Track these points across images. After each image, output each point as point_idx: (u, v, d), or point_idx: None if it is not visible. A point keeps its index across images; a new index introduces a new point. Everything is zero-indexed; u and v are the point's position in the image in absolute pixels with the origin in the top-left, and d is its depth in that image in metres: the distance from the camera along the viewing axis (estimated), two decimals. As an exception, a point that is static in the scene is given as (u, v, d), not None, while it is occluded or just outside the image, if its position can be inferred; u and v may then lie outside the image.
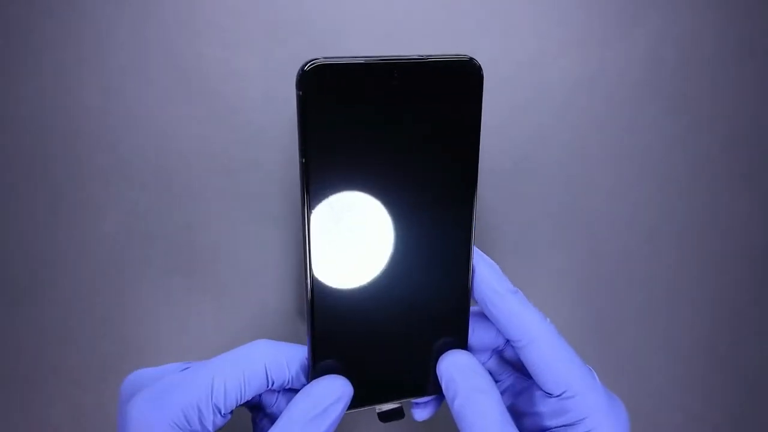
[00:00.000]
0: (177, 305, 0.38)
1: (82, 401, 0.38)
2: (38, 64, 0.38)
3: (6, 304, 0.38)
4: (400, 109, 0.24)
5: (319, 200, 0.24)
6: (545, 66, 0.39)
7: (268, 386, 0.26)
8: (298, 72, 0.25)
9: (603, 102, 0.39)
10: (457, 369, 0.25)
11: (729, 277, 0.39)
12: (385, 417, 0.27)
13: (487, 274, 0.27)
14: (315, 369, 0.25)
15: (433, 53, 0.26)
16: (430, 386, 0.27)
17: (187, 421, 0.23)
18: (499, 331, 0.27)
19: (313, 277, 0.24)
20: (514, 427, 0.25)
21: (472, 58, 0.25)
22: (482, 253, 0.27)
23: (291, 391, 0.27)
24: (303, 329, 0.38)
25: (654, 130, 0.39)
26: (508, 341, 0.28)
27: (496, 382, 0.30)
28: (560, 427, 0.26)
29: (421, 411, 0.29)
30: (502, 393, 0.30)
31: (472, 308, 0.27)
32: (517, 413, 0.28)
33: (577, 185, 0.39)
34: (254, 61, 0.38)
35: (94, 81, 0.38)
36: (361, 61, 0.25)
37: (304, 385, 0.26)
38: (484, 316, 0.28)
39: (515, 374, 0.30)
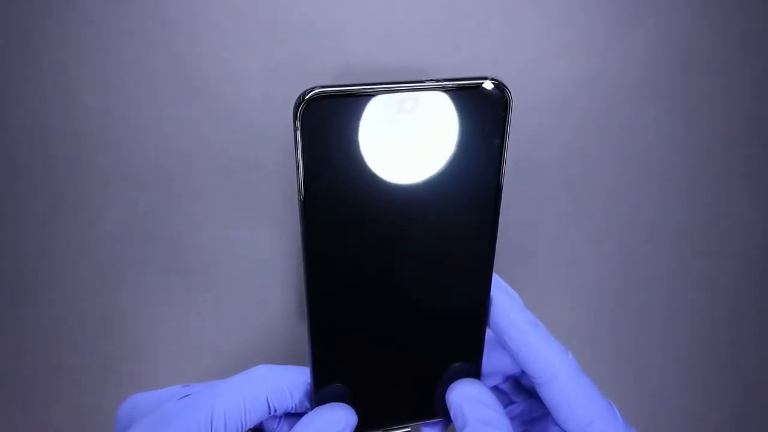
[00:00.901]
0: (177, 305, 0.38)
1: (82, 401, 0.38)
2: (38, 64, 0.38)
3: (6, 304, 0.38)
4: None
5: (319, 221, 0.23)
6: (545, 66, 0.39)
7: (270, 414, 0.25)
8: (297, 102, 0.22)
9: (603, 102, 0.39)
10: (466, 400, 0.25)
11: (729, 277, 0.39)
12: None
13: (506, 304, 0.25)
14: (318, 395, 0.25)
15: (449, 75, 0.22)
16: (439, 410, 0.26)
17: None
18: (512, 360, 0.26)
19: (313, 305, 0.23)
20: None
21: (495, 81, 0.22)
22: (503, 281, 0.26)
23: (294, 416, 0.27)
24: (303, 328, 0.38)
25: (654, 130, 0.39)
26: (520, 372, 0.27)
27: (510, 404, 0.30)
28: None
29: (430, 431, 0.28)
30: (514, 418, 0.29)
31: (488, 333, 0.26)
32: None
33: (577, 185, 0.39)
34: (254, 61, 0.38)
35: (94, 81, 0.38)
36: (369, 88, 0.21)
37: (308, 410, 0.25)
38: (492, 346, 0.27)
39: (529, 400, 0.29)
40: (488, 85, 0.22)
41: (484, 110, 0.22)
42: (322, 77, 0.38)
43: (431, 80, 0.21)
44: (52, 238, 0.38)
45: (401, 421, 0.26)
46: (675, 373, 0.39)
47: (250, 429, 0.26)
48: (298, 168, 0.22)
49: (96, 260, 0.38)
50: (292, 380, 0.25)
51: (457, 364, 0.25)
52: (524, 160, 0.39)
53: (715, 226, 0.39)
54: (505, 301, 0.25)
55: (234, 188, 0.38)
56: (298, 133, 0.22)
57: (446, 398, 0.25)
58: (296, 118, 0.22)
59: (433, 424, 0.28)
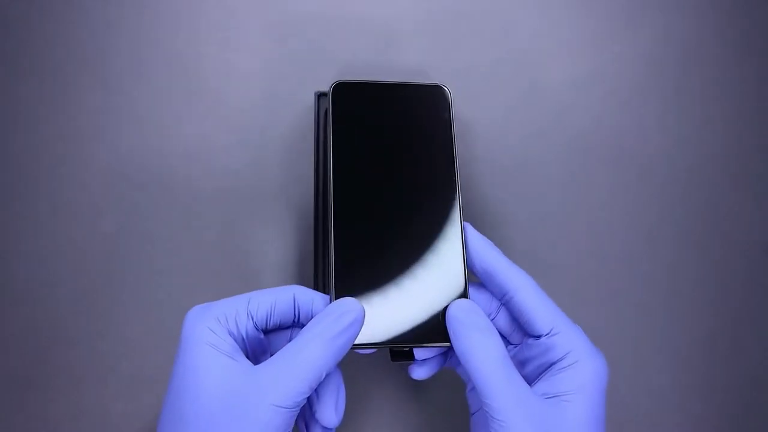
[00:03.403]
0: (177, 305, 0.38)
1: (82, 401, 0.38)
2: (38, 64, 0.38)
3: (6, 304, 0.38)
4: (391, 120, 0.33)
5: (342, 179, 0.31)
6: (545, 66, 0.39)
7: (295, 315, 0.29)
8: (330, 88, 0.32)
9: (603, 102, 0.39)
10: (461, 310, 0.29)
11: (729, 277, 0.39)
12: (395, 355, 0.32)
13: (476, 240, 0.31)
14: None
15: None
16: (438, 337, 0.30)
17: (227, 319, 0.28)
18: (491, 294, 0.31)
19: (337, 226, 0.30)
20: (510, 361, 0.28)
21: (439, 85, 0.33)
22: (472, 227, 0.32)
23: None
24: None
25: (654, 130, 0.39)
26: (500, 304, 0.31)
27: None
28: (550, 366, 0.29)
29: (419, 369, 0.32)
30: None
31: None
32: None
33: (577, 185, 0.39)
34: (254, 61, 0.38)
35: (94, 81, 0.38)
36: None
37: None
38: (476, 287, 0.32)
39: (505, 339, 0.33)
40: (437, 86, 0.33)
41: (435, 102, 0.33)
42: (322, 77, 0.38)
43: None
44: (52, 238, 0.38)
45: (403, 341, 0.30)
46: (675, 373, 0.39)
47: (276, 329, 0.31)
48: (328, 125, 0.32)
49: (96, 260, 0.38)
50: (317, 295, 0.30)
51: (449, 297, 0.31)
52: (524, 160, 0.39)
53: (715, 225, 0.39)
54: (477, 238, 0.31)
55: (234, 188, 0.38)
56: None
57: (446, 316, 0.30)
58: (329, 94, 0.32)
59: (425, 360, 0.32)
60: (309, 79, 0.38)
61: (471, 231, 0.32)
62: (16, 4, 0.38)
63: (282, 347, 0.30)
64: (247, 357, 0.29)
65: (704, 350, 0.39)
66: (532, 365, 0.30)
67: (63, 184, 0.38)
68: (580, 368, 0.28)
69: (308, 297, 0.30)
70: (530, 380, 0.30)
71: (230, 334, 0.28)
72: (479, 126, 0.39)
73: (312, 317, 0.29)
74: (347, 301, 0.29)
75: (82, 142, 0.38)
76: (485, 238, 0.32)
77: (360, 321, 0.28)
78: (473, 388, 0.32)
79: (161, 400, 0.38)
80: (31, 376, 0.38)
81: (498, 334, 0.28)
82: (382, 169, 0.32)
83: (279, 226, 0.38)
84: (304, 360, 0.26)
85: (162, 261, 0.38)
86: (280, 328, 0.30)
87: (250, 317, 0.28)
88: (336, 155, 0.31)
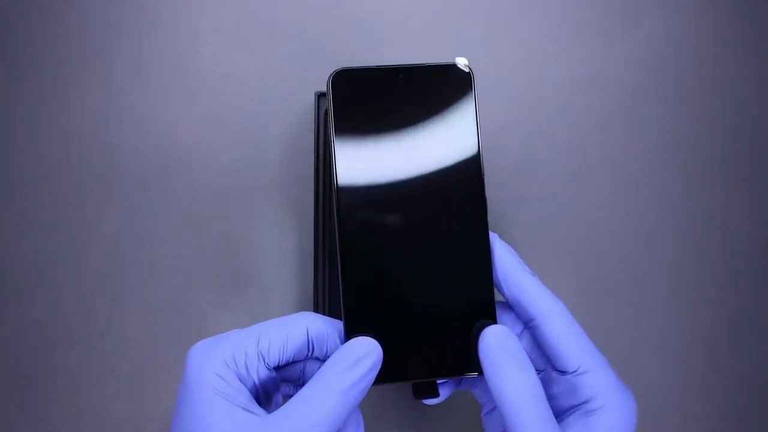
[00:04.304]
0: (177, 305, 0.38)
1: (82, 401, 0.38)
2: (38, 64, 0.38)
3: (6, 304, 0.38)
4: (407, 108, 0.28)
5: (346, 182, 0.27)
6: (545, 66, 0.39)
7: (308, 349, 0.27)
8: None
9: (603, 102, 0.39)
10: (497, 338, 0.27)
11: (729, 277, 0.39)
12: (418, 391, 0.28)
13: (505, 256, 0.28)
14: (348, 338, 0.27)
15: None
16: (466, 367, 0.28)
17: (235, 362, 0.25)
18: (516, 316, 0.28)
19: (345, 257, 0.27)
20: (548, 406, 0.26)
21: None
22: (499, 238, 0.29)
23: None
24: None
25: (654, 130, 0.39)
26: (525, 327, 0.29)
27: None
28: (574, 407, 0.27)
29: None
30: None
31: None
32: None
33: (577, 185, 0.39)
34: (254, 61, 0.38)
35: (94, 81, 0.38)
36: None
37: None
38: (501, 307, 0.29)
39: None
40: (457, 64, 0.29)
41: (454, 86, 0.28)
42: (322, 77, 0.38)
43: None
44: (52, 238, 0.38)
45: (425, 375, 0.28)
46: (675, 373, 0.39)
47: (295, 381, 0.29)
48: (329, 137, 0.28)
49: (96, 260, 0.38)
50: (331, 324, 0.28)
51: (475, 320, 0.28)
52: (524, 160, 0.39)
53: (714, 225, 0.39)
54: (504, 252, 0.28)
55: (234, 188, 0.38)
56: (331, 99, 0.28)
57: (479, 343, 0.27)
58: (328, 87, 0.28)
59: (453, 381, 0.29)
60: (309, 79, 0.38)
61: (498, 244, 0.28)
62: (16, 4, 0.38)
63: (293, 380, 0.29)
64: (257, 397, 0.27)
65: (704, 350, 0.39)
66: (556, 401, 0.28)
67: (63, 184, 0.38)
68: (609, 413, 0.26)
69: (322, 329, 0.27)
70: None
71: (240, 377, 0.25)
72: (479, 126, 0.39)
73: (326, 353, 0.27)
74: (362, 343, 0.26)
75: (82, 142, 0.38)
76: (513, 252, 0.29)
77: (377, 364, 0.26)
78: (490, 412, 0.30)
79: (161, 399, 0.38)
80: (31, 376, 0.38)
81: (533, 367, 0.26)
82: (394, 175, 0.27)
83: (279, 226, 0.38)
84: (320, 415, 0.24)
85: (162, 261, 0.38)
86: (294, 361, 0.28)
87: (260, 358, 0.26)
88: (340, 162, 0.27)
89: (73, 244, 0.38)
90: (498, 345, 0.26)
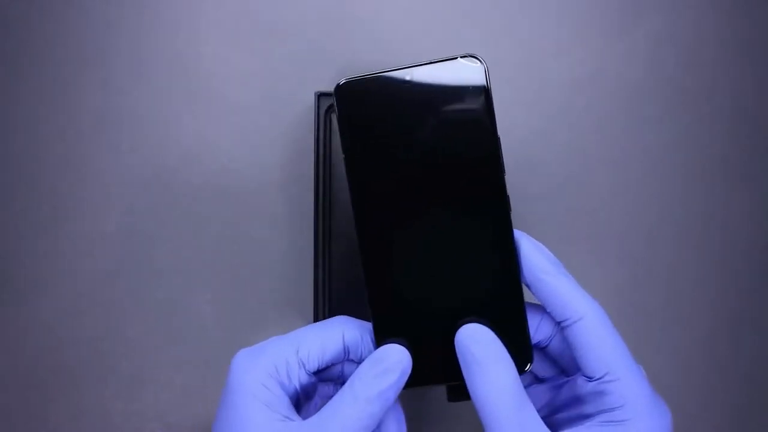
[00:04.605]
0: (177, 304, 0.38)
1: (82, 401, 0.38)
2: (38, 64, 0.38)
3: (6, 304, 0.38)
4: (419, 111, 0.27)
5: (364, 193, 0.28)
6: (545, 66, 0.39)
7: (344, 353, 0.28)
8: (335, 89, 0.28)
9: (603, 102, 0.39)
10: (470, 339, 0.26)
11: (729, 277, 0.39)
12: (454, 393, 0.28)
13: (533, 255, 0.27)
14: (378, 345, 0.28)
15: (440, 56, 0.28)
16: None
17: (277, 371, 0.26)
18: (549, 316, 0.27)
19: (369, 263, 0.27)
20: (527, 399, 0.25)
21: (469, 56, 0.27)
22: (527, 236, 0.28)
23: None
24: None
25: (654, 130, 0.39)
26: (556, 329, 0.28)
27: (540, 379, 0.30)
28: (597, 414, 0.25)
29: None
30: (542, 382, 0.30)
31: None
32: (554, 406, 0.28)
33: (577, 185, 0.39)
34: (254, 61, 0.38)
35: (94, 81, 0.38)
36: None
37: None
38: (533, 308, 0.28)
39: (557, 370, 0.30)
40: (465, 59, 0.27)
41: (467, 82, 0.27)
42: (322, 77, 0.38)
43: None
44: (52, 238, 0.38)
45: (455, 378, 0.27)
46: (675, 373, 0.39)
47: (335, 380, 0.30)
48: (343, 136, 0.27)
49: (96, 260, 0.38)
50: (365, 328, 0.28)
51: (504, 322, 0.27)
52: (524, 160, 0.39)
53: (714, 225, 0.39)
54: (532, 253, 0.27)
55: (234, 188, 0.38)
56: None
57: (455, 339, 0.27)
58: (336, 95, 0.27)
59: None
60: (309, 79, 0.38)
61: (525, 243, 0.27)
62: (16, 4, 0.38)
63: (332, 379, 0.30)
64: (297, 401, 0.28)
65: (704, 350, 0.39)
66: (575, 409, 0.26)
67: (63, 184, 0.38)
68: (635, 427, 0.24)
69: (356, 335, 0.28)
70: (566, 425, 0.26)
71: (281, 385, 0.26)
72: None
73: (361, 357, 0.28)
74: (390, 351, 0.26)
75: (82, 142, 0.38)
76: (542, 249, 0.27)
77: (406, 372, 0.26)
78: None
79: (161, 399, 0.38)
80: (31, 376, 0.38)
81: (503, 363, 0.25)
82: (413, 181, 0.27)
83: (279, 226, 0.38)
84: (350, 423, 0.25)
85: (162, 261, 0.38)
86: (332, 364, 0.29)
87: (301, 365, 0.27)
88: (354, 173, 0.27)
89: (74, 244, 0.38)
90: (467, 345, 0.26)
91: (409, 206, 0.27)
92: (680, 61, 0.39)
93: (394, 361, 0.26)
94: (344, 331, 0.28)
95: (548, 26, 0.39)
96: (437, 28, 0.39)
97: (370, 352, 0.28)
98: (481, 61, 0.27)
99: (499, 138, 0.27)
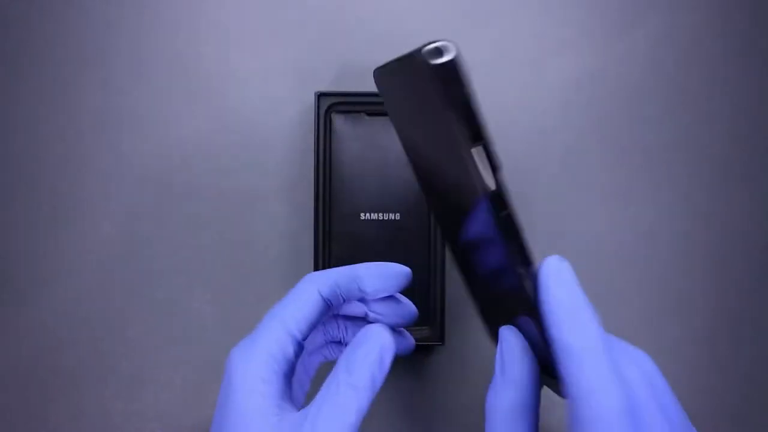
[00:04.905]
0: (177, 305, 0.38)
1: (82, 401, 0.38)
2: (38, 64, 0.38)
3: (6, 304, 0.38)
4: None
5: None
6: (545, 66, 0.39)
7: (328, 307, 0.28)
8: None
9: (603, 102, 0.39)
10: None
11: (729, 277, 0.39)
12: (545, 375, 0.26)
13: (560, 309, 0.24)
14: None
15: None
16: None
17: (274, 360, 0.26)
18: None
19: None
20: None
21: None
22: (562, 271, 0.25)
23: (355, 319, 0.31)
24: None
25: (654, 130, 0.39)
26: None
27: None
28: None
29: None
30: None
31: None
32: None
33: (577, 185, 0.39)
34: (254, 61, 0.38)
35: (94, 81, 0.38)
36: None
37: (363, 295, 0.29)
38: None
39: None
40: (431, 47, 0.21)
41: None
42: (322, 77, 0.38)
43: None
44: (52, 238, 0.38)
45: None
46: (675, 373, 0.39)
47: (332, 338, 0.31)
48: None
49: (96, 260, 0.38)
50: (333, 274, 0.28)
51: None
52: (524, 160, 0.39)
53: (715, 226, 0.39)
54: (560, 307, 0.24)
55: (234, 188, 0.38)
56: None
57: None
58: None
59: None
60: (309, 79, 0.38)
61: (554, 287, 0.24)
62: (16, 4, 0.38)
63: (335, 338, 0.31)
64: (297, 378, 0.29)
65: (704, 350, 0.39)
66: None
67: (63, 184, 0.38)
68: None
69: (331, 284, 0.28)
70: None
71: (279, 372, 0.26)
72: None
73: (346, 299, 0.29)
74: (368, 332, 0.26)
75: (82, 142, 0.38)
76: (575, 296, 0.24)
77: (388, 349, 0.26)
78: None
79: (161, 399, 0.38)
80: (31, 376, 0.38)
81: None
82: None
83: (279, 226, 0.38)
84: (339, 412, 0.25)
85: (162, 261, 0.38)
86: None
87: (294, 342, 0.27)
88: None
89: (74, 244, 0.38)
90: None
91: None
92: (680, 61, 0.39)
93: (373, 341, 0.26)
94: (319, 288, 0.28)
95: (548, 26, 0.39)
96: (437, 28, 0.39)
97: (350, 296, 0.28)
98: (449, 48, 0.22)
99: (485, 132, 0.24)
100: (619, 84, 0.39)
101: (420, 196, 0.35)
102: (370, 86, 0.38)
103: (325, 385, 0.26)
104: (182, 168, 0.38)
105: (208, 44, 0.39)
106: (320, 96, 0.36)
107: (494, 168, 0.24)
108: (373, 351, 0.26)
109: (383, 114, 0.36)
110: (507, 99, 0.39)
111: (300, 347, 0.28)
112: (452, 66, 0.21)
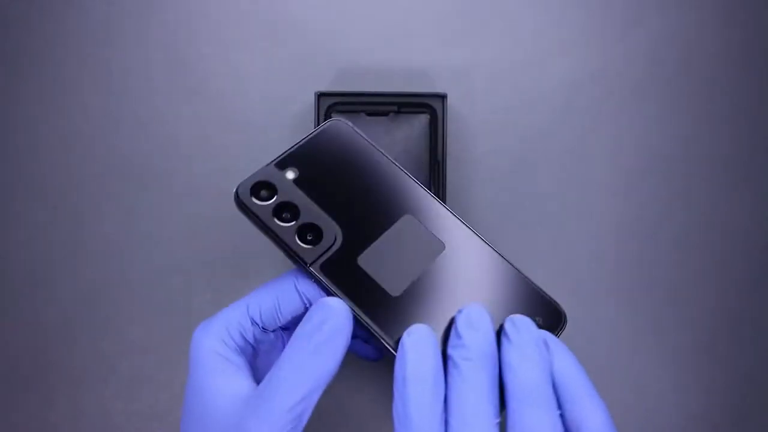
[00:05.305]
0: (177, 305, 0.38)
1: (83, 401, 0.38)
2: (38, 64, 0.38)
3: (6, 304, 0.38)
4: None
5: None
6: (545, 66, 0.39)
7: (303, 303, 0.28)
8: None
9: (603, 102, 0.39)
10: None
11: (729, 277, 0.39)
12: None
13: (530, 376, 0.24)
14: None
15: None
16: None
17: (231, 336, 0.27)
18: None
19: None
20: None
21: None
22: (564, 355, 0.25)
23: None
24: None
25: (654, 129, 0.39)
26: None
27: None
28: None
29: None
30: None
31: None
32: None
33: (577, 185, 0.39)
34: (254, 61, 0.38)
35: (94, 81, 0.38)
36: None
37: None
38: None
39: None
40: None
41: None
42: (322, 77, 0.38)
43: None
44: (52, 238, 0.38)
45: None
46: (675, 373, 0.39)
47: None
48: None
49: (96, 260, 0.38)
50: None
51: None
52: (524, 160, 0.39)
53: (714, 225, 0.39)
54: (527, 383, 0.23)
55: (234, 188, 0.38)
56: None
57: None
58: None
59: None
60: (309, 79, 0.38)
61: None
62: (16, 4, 0.38)
63: None
64: (263, 361, 0.28)
65: (704, 350, 0.39)
66: None
67: (63, 184, 0.38)
68: None
69: (311, 285, 0.28)
70: None
71: (238, 350, 0.27)
72: (479, 126, 0.39)
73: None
74: (322, 305, 0.26)
75: (82, 142, 0.38)
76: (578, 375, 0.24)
77: (344, 324, 0.25)
78: None
79: (161, 399, 0.38)
80: (31, 376, 0.38)
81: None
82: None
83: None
84: (286, 389, 0.24)
85: (162, 261, 0.38)
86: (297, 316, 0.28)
87: (254, 323, 0.27)
88: None
89: (73, 244, 0.38)
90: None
91: None
92: (680, 61, 0.39)
93: (328, 314, 0.25)
94: (296, 281, 0.27)
95: (548, 26, 0.39)
96: (437, 29, 0.39)
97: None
98: (341, 120, 0.30)
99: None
100: (619, 84, 0.39)
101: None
102: (370, 86, 0.39)
103: (281, 355, 0.25)
104: (182, 168, 0.38)
105: (208, 44, 0.39)
106: (320, 96, 0.36)
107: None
108: (328, 319, 0.25)
109: (383, 114, 0.36)
110: (507, 99, 0.39)
111: (262, 330, 0.28)
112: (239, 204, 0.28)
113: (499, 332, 0.25)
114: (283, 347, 0.29)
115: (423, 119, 0.36)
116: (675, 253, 0.39)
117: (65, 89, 0.38)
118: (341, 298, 0.26)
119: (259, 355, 0.28)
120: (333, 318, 0.25)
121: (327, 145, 0.30)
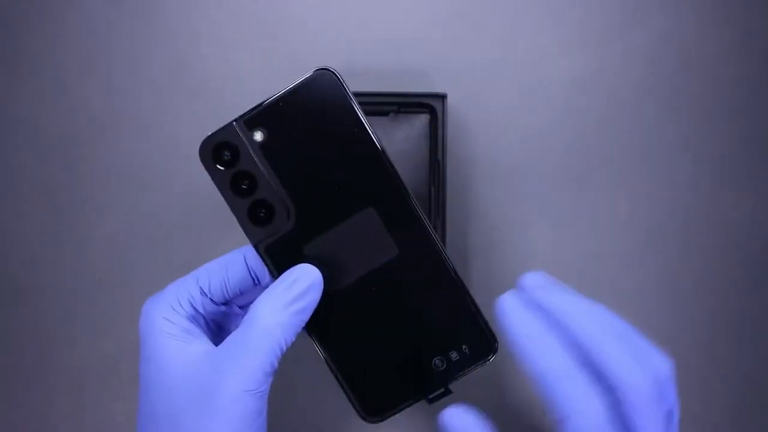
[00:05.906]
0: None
1: (83, 401, 0.38)
2: (38, 64, 0.38)
3: (6, 304, 0.38)
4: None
5: None
6: (545, 66, 0.39)
7: (252, 278, 0.28)
8: None
9: (603, 102, 0.39)
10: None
11: (729, 277, 0.39)
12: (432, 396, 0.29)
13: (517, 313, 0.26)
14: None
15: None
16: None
17: (180, 304, 0.27)
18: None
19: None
20: None
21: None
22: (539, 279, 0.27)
23: None
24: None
25: (654, 129, 0.39)
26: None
27: None
28: None
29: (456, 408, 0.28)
30: None
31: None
32: None
33: (577, 185, 0.39)
34: (254, 61, 0.38)
35: (94, 81, 0.38)
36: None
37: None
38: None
39: None
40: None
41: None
42: (322, 77, 0.38)
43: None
44: (52, 238, 0.38)
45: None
46: (675, 373, 0.39)
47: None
48: None
49: (96, 260, 0.38)
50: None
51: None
52: (524, 160, 0.39)
53: (714, 225, 0.39)
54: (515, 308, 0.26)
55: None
56: None
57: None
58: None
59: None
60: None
61: (507, 307, 0.25)
62: (16, 4, 0.38)
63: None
64: (215, 334, 0.28)
65: (704, 350, 0.39)
66: None
67: (63, 184, 0.38)
68: None
69: (260, 260, 0.28)
70: None
71: (189, 318, 0.27)
72: (479, 126, 0.39)
73: (269, 281, 0.28)
74: (299, 268, 0.26)
75: (82, 142, 0.38)
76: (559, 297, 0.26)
77: (317, 286, 0.26)
78: None
79: (161, 400, 0.38)
80: (31, 376, 0.38)
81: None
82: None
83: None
84: (259, 337, 0.25)
85: (162, 261, 0.38)
86: (244, 291, 0.29)
87: (204, 294, 0.27)
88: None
89: (74, 244, 0.38)
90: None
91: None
92: (680, 61, 0.39)
93: (304, 273, 0.26)
94: (245, 255, 0.28)
95: (548, 26, 0.39)
96: (437, 29, 0.39)
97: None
98: (333, 72, 0.27)
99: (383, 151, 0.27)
100: (619, 84, 0.39)
101: (418, 195, 0.35)
102: (370, 86, 0.39)
103: (247, 314, 0.26)
104: (182, 168, 0.38)
105: (208, 44, 0.39)
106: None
107: None
108: (300, 281, 0.26)
109: (383, 114, 0.36)
110: (507, 99, 0.39)
111: (219, 307, 0.28)
112: None
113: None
114: (236, 326, 0.29)
115: (423, 119, 0.36)
116: (675, 253, 0.39)
117: (65, 89, 0.38)
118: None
119: (211, 329, 0.28)
120: (306, 277, 0.26)
121: (307, 102, 0.27)
